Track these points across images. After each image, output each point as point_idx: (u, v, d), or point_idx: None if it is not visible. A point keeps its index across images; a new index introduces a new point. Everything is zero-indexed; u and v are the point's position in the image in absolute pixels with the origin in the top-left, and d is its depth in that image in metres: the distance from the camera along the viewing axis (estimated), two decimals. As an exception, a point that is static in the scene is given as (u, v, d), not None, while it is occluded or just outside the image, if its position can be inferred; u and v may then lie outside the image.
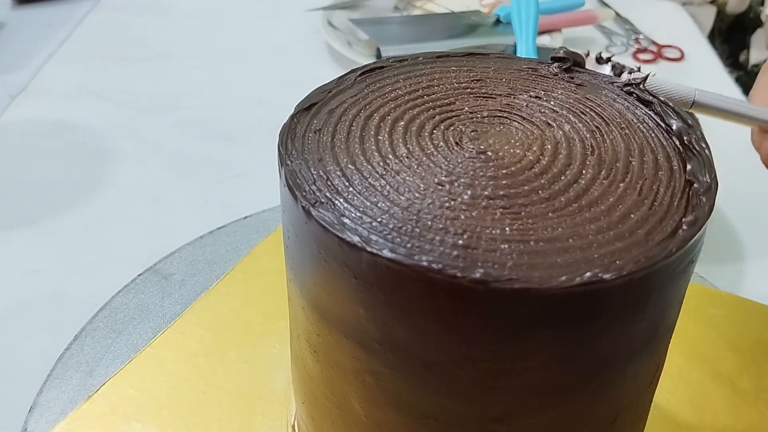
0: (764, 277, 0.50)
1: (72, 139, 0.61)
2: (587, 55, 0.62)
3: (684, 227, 0.23)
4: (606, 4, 0.89)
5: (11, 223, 0.51)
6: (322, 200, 0.23)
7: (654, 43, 0.82)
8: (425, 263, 0.21)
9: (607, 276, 0.21)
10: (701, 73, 0.78)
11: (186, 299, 0.43)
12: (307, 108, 0.27)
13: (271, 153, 0.26)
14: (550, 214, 0.23)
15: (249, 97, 0.68)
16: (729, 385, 0.38)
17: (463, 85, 0.29)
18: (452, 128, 0.26)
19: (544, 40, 0.74)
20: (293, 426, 0.35)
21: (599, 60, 0.63)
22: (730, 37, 1.08)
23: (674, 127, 0.27)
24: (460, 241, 0.22)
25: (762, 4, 1.04)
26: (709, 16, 1.01)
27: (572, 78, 0.30)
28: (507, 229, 0.22)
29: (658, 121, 0.27)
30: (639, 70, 0.58)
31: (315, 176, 0.24)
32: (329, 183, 0.24)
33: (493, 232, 0.22)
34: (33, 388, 0.37)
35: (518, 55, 0.60)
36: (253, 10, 0.86)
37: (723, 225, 0.54)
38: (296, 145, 0.26)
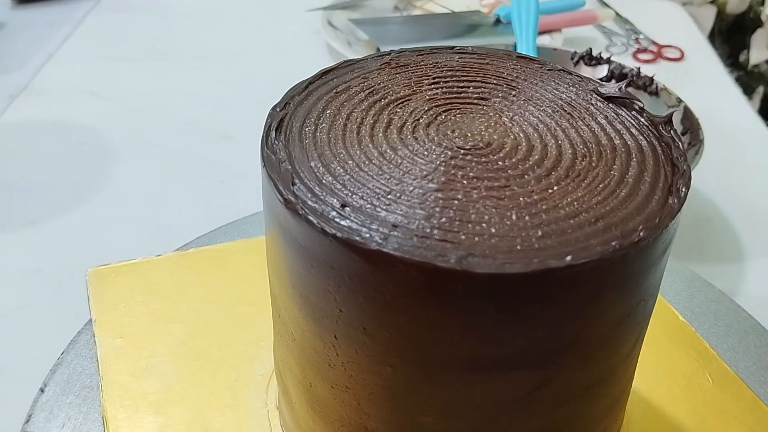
0: (764, 277, 0.49)
1: (72, 139, 0.61)
2: (581, 54, 0.62)
3: (679, 185, 0.24)
4: (606, 4, 0.89)
5: (11, 223, 0.52)
6: (372, 236, 0.21)
7: (654, 43, 0.82)
8: (493, 269, 0.20)
9: (644, 234, 0.22)
10: (701, 73, 0.78)
11: None
12: (275, 134, 0.26)
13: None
14: (558, 193, 0.23)
15: (249, 97, 0.68)
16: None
17: (414, 80, 0.29)
18: (432, 125, 0.26)
19: (544, 40, 0.74)
20: None
21: (586, 59, 0.63)
22: (730, 37, 1.08)
23: (611, 93, 0.28)
24: (494, 239, 0.21)
25: (762, 4, 1.04)
26: (709, 16, 1.01)
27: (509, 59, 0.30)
28: (526, 215, 0.22)
29: (596, 95, 0.28)
30: (639, 70, 0.58)
31: (332, 204, 0.23)
32: (343, 208, 0.22)
33: (519, 220, 0.22)
34: (32, 388, 0.37)
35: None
36: (253, 10, 0.86)
37: (723, 225, 0.54)
38: (296, 180, 0.24)
